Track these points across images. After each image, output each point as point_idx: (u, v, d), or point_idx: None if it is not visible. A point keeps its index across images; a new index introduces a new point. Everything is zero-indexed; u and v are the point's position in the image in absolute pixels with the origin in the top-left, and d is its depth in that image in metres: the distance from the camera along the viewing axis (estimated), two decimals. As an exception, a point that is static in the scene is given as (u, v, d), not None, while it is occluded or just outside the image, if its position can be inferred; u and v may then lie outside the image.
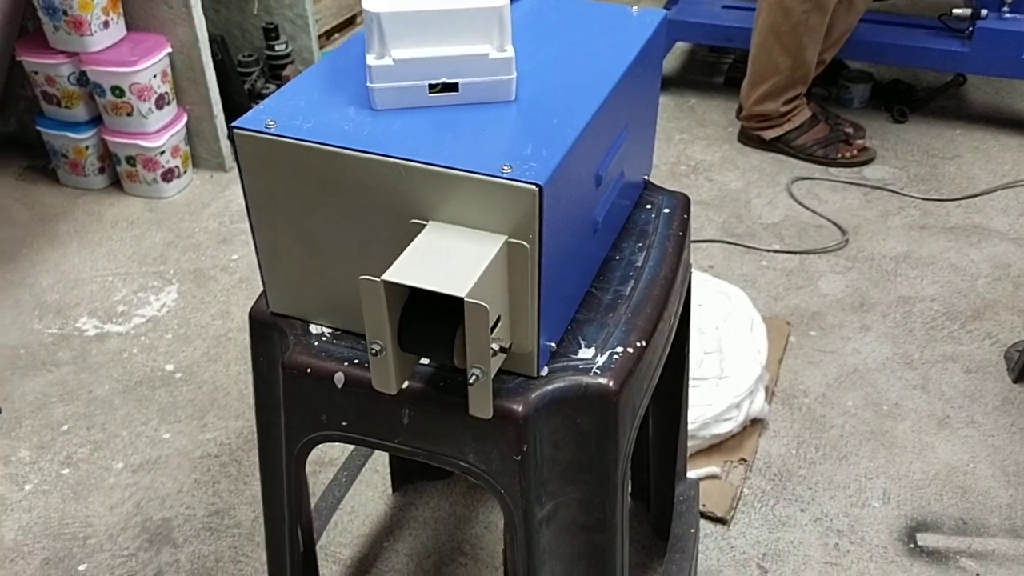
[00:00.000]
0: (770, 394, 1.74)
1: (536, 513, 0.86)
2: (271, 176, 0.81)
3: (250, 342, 0.96)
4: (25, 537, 1.52)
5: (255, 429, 1.75)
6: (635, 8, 1.02)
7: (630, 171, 1.01)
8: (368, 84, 0.81)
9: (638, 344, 0.88)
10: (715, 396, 1.57)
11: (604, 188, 0.91)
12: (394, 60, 0.80)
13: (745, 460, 1.60)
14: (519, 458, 0.83)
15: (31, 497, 1.59)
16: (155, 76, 2.24)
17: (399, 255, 0.75)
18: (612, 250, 0.99)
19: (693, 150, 2.58)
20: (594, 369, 0.84)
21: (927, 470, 1.61)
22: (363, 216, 0.80)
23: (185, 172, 2.42)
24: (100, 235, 2.26)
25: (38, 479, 1.63)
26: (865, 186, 2.40)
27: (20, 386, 1.82)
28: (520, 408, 0.81)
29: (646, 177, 1.10)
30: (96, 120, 2.33)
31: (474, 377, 0.74)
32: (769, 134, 2.52)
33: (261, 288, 0.93)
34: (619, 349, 0.87)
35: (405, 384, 0.82)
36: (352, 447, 1.52)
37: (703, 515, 1.51)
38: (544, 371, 0.84)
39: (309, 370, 0.87)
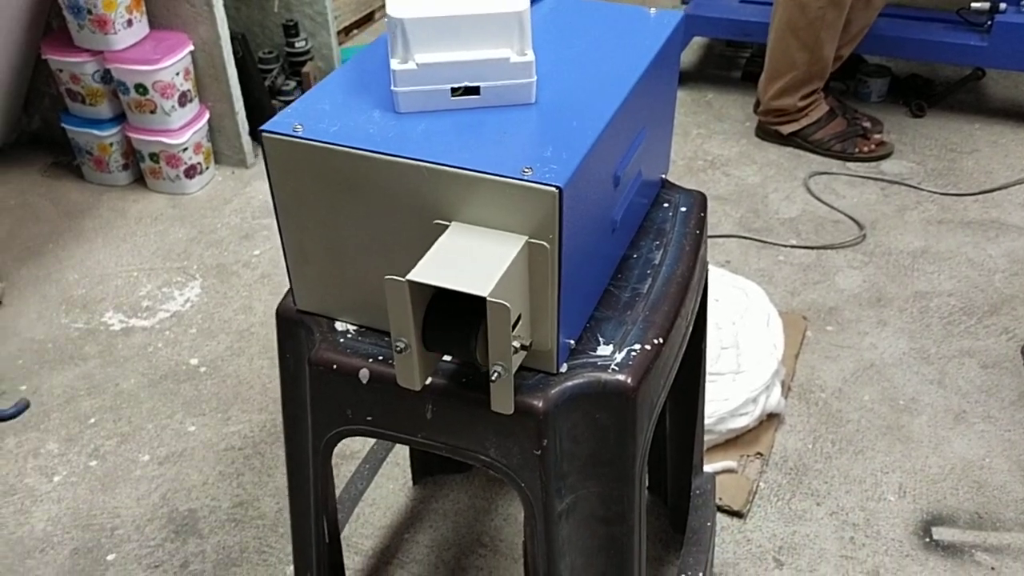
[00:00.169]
0: (786, 389, 1.75)
1: (556, 506, 0.88)
2: (298, 178, 0.83)
3: (277, 339, 0.98)
4: (55, 527, 1.56)
5: (279, 423, 1.78)
6: (653, 10, 1.03)
7: (648, 171, 1.02)
8: (392, 88, 0.83)
9: (655, 341, 0.89)
10: (732, 391, 1.58)
11: (622, 188, 0.93)
12: (417, 64, 0.82)
13: (761, 454, 1.62)
14: (539, 452, 0.85)
15: (60, 488, 1.63)
16: (178, 74, 2.27)
17: (423, 255, 0.77)
18: (630, 248, 1.01)
19: (710, 145, 2.59)
20: (612, 366, 0.86)
21: (943, 464, 1.62)
22: (388, 217, 0.82)
23: (207, 168, 2.45)
24: (124, 231, 2.29)
25: (67, 471, 1.66)
26: (883, 181, 2.40)
27: (48, 380, 1.85)
28: (540, 404, 0.83)
29: (663, 176, 1.12)
30: (120, 117, 2.37)
31: (496, 374, 0.76)
32: (787, 129, 2.52)
33: (282, 283, 0.95)
34: (637, 346, 0.88)
35: (428, 380, 0.84)
36: (373, 441, 1.55)
37: (720, 508, 1.53)
38: (564, 368, 0.86)
39: (335, 366, 0.89)
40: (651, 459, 1.42)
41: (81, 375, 1.86)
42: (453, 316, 0.77)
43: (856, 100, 2.76)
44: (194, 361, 1.89)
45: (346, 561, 1.47)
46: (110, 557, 1.51)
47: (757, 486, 1.58)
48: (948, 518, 1.53)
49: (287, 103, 2.60)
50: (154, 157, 2.36)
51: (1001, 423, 1.69)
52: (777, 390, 1.65)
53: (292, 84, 2.63)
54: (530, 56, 0.83)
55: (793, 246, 2.17)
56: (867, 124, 2.54)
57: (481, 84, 0.84)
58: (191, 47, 2.30)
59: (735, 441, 1.62)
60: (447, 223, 0.79)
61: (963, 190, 2.36)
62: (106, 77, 2.29)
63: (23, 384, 1.84)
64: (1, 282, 2.03)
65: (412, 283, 0.74)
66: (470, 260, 0.76)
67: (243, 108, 2.44)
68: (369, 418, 0.91)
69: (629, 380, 0.85)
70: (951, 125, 2.64)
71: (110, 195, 2.43)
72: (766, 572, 1.45)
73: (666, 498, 1.49)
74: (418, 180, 0.79)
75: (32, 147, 2.61)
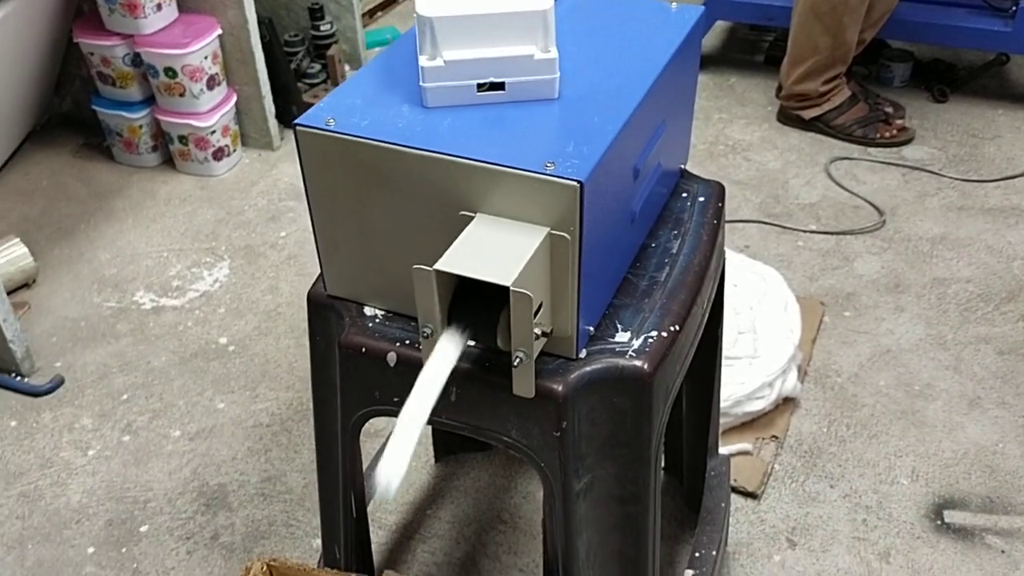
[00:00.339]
0: (803, 373, 1.78)
1: (574, 486, 0.92)
2: (330, 170, 0.87)
3: (308, 322, 1.02)
4: (90, 500, 1.62)
5: (305, 401, 1.83)
6: (674, 4, 1.06)
7: (667, 161, 1.05)
8: (420, 83, 0.86)
9: (672, 328, 0.93)
10: (748, 375, 1.61)
11: (641, 180, 0.96)
12: (445, 61, 0.85)
13: (776, 437, 1.65)
14: (558, 434, 0.88)
15: (94, 462, 1.68)
16: (206, 57, 2.31)
17: (449, 245, 0.80)
18: (648, 237, 1.04)
19: (732, 129, 2.60)
20: (630, 352, 0.90)
21: (956, 449, 1.64)
22: (415, 207, 0.86)
23: (235, 151, 2.50)
24: (154, 211, 2.34)
25: (100, 445, 1.72)
26: (904, 166, 2.41)
27: (82, 357, 1.91)
28: (560, 388, 0.87)
29: (682, 166, 1.15)
30: (149, 100, 2.41)
31: (518, 359, 0.80)
32: (808, 114, 2.53)
33: (308, 264, 0.99)
34: (654, 333, 0.92)
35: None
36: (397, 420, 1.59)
37: (734, 490, 1.56)
38: (583, 353, 0.89)
39: (364, 350, 0.93)
40: (667, 440, 1.46)
41: (113, 353, 1.92)
42: (477, 303, 0.81)
43: (878, 85, 2.76)
44: (223, 340, 1.94)
45: (371, 536, 1.52)
46: (143, 528, 1.56)
47: (772, 468, 1.61)
48: (960, 502, 1.55)
49: (312, 86, 2.66)
50: (183, 139, 2.41)
51: (1016, 409, 1.71)
52: (793, 374, 1.68)
53: (317, 67, 2.66)
54: (553, 53, 0.86)
55: (813, 231, 2.19)
56: (889, 109, 2.54)
57: (506, 80, 0.87)
58: (219, 31, 2.34)
59: (751, 424, 1.65)
60: (472, 214, 0.83)
61: (984, 176, 2.36)
62: (136, 60, 2.33)
63: (57, 361, 1.90)
64: (36, 261, 2.08)
65: (439, 272, 0.78)
66: (494, 251, 0.79)
67: (270, 91, 2.48)
68: (396, 399, 0.95)
69: (645, 366, 0.89)
70: (974, 111, 2.64)
71: (140, 176, 2.48)
72: (779, 552, 1.49)
73: (682, 478, 1.52)
74: (445, 173, 0.82)
75: (63, 128, 2.66)
